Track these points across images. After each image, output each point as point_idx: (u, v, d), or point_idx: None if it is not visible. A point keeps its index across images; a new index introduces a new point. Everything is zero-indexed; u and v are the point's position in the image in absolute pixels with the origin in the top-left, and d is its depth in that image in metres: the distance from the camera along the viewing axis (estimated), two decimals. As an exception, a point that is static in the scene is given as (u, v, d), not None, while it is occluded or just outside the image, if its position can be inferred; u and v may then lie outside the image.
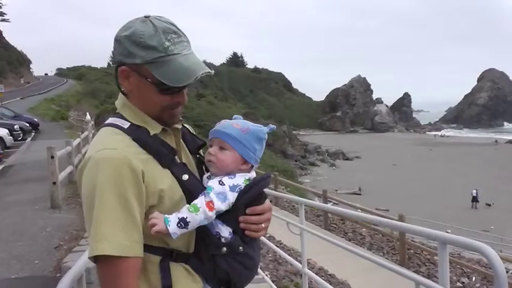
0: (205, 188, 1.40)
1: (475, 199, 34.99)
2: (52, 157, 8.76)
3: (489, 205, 34.87)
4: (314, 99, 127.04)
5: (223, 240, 1.40)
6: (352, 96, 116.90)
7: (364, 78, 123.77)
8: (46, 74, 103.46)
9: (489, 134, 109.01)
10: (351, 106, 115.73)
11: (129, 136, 1.36)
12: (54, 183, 8.58)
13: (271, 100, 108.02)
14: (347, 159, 65.54)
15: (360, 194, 38.47)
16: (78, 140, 13.04)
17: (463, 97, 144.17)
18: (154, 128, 1.41)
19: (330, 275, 8.19)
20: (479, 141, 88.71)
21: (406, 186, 42.11)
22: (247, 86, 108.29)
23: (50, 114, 32.95)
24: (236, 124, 1.51)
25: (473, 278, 10.08)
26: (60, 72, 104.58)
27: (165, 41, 1.32)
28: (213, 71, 1.40)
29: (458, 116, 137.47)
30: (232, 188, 1.41)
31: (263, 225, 1.45)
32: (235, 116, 1.59)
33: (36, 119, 26.47)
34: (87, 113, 23.68)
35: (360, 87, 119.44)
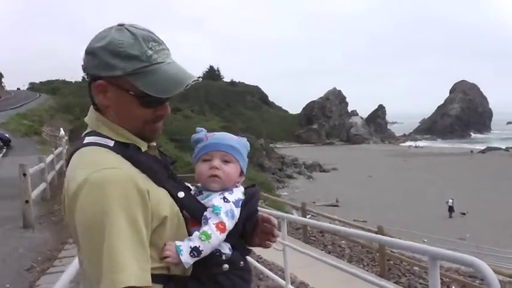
0: (201, 204, 1.35)
1: (451, 208, 35.47)
2: (24, 174, 8.52)
3: (464, 214, 35.39)
4: (290, 112, 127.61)
5: (223, 257, 1.34)
6: (327, 108, 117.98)
7: (340, 90, 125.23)
8: (18, 89, 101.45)
9: (462, 144, 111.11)
10: (326, 118, 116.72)
11: (118, 155, 1.24)
12: (27, 201, 8.33)
13: (248, 113, 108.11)
14: (324, 171, 65.85)
15: (337, 206, 38.57)
16: (51, 157, 12.75)
17: (436, 108, 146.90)
18: (142, 145, 1.32)
19: (311, 289, 8.10)
20: (452, 152, 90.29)
21: (383, 197, 42.46)
22: (223, 100, 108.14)
23: (22, 129, 32.28)
24: (230, 136, 1.47)
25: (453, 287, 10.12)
26: (33, 87, 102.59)
27: (147, 50, 1.23)
28: (200, 78, 1.30)
29: (431, 127, 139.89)
30: (236, 204, 1.36)
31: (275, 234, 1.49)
32: (198, 128, 1.51)
33: (7, 135, 25.88)
34: (61, 129, 23.25)
35: (335, 100, 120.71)
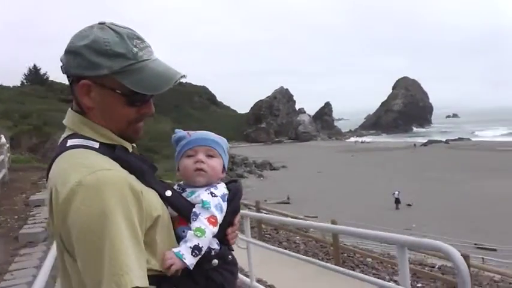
0: (188, 201, 1.35)
1: (397, 200, 36.65)
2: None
3: (410, 205, 36.60)
4: (239, 112, 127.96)
5: (213, 252, 1.34)
6: (275, 107, 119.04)
7: (287, 89, 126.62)
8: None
9: (405, 138, 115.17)
10: (274, 117, 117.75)
11: (105, 156, 1.21)
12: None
13: (196, 114, 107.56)
14: (274, 169, 66.40)
15: (288, 203, 38.95)
16: (-9, 164, 12.14)
17: (380, 104, 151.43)
18: (127, 146, 1.31)
19: (269, 286, 8.12)
20: (396, 146, 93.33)
21: (332, 192, 43.29)
22: (171, 101, 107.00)
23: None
24: (211, 133, 1.51)
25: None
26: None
27: (133, 47, 1.22)
28: (186, 75, 1.29)
29: (376, 123, 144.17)
30: (223, 198, 1.38)
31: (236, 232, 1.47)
32: (176, 130, 1.53)
33: None
34: (2, 136, 22.19)
35: (282, 98, 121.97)
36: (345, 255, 11.23)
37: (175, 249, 1.24)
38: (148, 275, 1.13)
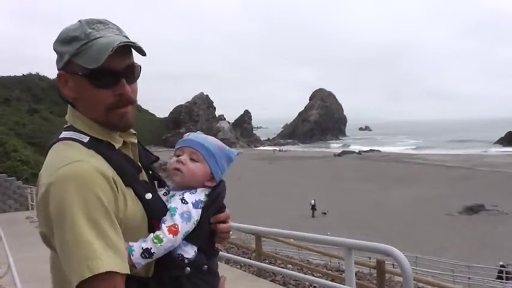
0: (165, 206, 1.32)
1: (313, 208, 37.77)
2: None
3: (325, 213, 37.91)
4: (158, 116, 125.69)
5: (186, 260, 1.31)
6: (195, 113, 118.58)
7: (207, 95, 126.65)
8: None
9: (321, 148, 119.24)
10: (194, 123, 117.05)
11: (91, 150, 1.23)
12: None
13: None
14: (192, 175, 65.95)
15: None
16: None
17: (297, 114, 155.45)
18: (116, 141, 1.31)
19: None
20: (313, 155, 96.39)
21: (250, 199, 43.73)
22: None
23: None
24: (212, 139, 1.47)
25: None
26: None
27: (87, 29, 1.24)
28: (137, 43, 1.26)
29: (293, 132, 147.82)
30: (196, 205, 1.33)
31: (230, 233, 1.43)
32: (198, 131, 1.52)
33: None
34: None
35: (202, 104, 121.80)
36: (266, 261, 11.39)
37: (131, 243, 1.23)
38: None
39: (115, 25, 1.30)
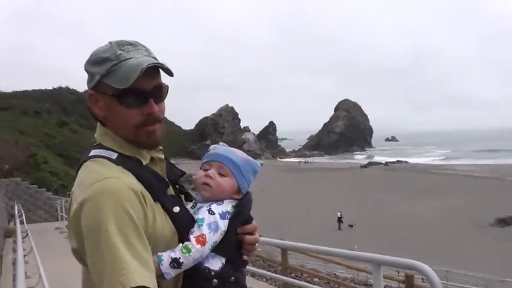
0: (193, 218, 1.34)
1: (339, 220, 37.36)
2: None
3: (351, 226, 37.46)
4: (183, 128, 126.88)
5: (212, 272, 1.32)
6: (220, 124, 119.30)
7: (232, 107, 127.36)
8: None
9: (346, 159, 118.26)
10: (219, 134, 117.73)
11: (121, 166, 1.28)
12: None
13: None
14: (218, 186, 66.16)
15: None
16: None
17: (322, 125, 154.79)
18: (144, 157, 1.35)
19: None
20: (338, 167, 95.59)
21: (276, 211, 43.53)
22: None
23: None
24: (238, 152, 1.49)
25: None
26: None
27: (117, 50, 1.29)
28: (165, 64, 1.29)
29: (318, 143, 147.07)
30: (223, 216, 1.35)
31: (256, 245, 1.43)
32: (221, 143, 1.53)
33: None
34: None
35: (227, 116, 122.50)
36: (292, 275, 11.30)
37: (160, 253, 1.26)
38: None
39: (144, 46, 1.35)
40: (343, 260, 12.77)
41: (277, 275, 7.99)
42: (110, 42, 1.33)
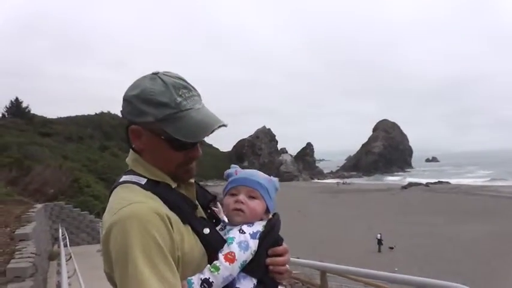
0: (223, 239, 1.37)
1: (379, 242, 36.52)
2: None
3: (392, 248, 36.52)
4: (221, 150, 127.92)
5: None
6: (257, 146, 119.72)
7: (269, 129, 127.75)
8: None
9: (386, 180, 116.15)
10: (257, 156, 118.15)
11: (149, 191, 1.32)
12: None
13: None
14: (256, 208, 65.96)
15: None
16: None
17: (360, 146, 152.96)
18: (171, 183, 1.39)
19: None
20: (377, 188, 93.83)
21: (314, 233, 43.02)
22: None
23: None
24: (261, 174, 1.53)
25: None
26: None
27: (177, 97, 1.31)
28: (227, 123, 1.37)
29: (357, 164, 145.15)
30: (253, 236, 1.37)
31: (287, 266, 1.43)
32: (233, 165, 1.59)
33: None
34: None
35: (265, 138, 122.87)
36: (333, 298, 11.11)
37: (190, 277, 1.27)
38: None
39: (196, 90, 1.39)
40: (384, 283, 12.50)
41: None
42: (164, 83, 1.32)
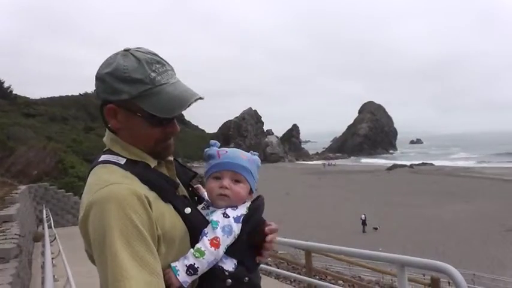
0: (206, 220, 1.36)
1: (364, 223, 36.97)
2: None
3: (376, 228, 37.01)
4: (207, 131, 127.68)
5: (226, 273, 1.34)
6: (244, 128, 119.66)
7: (255, 110, 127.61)
8: None
9: (371, 161, 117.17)
10: (243, 138, 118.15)
11: (128, 171, 1.30)
12: None
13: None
14: (241, 190, 66.17)
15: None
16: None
17: (346, 128, 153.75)
18: (151, 162, 1.37)
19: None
20: (362, 169, 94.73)
21: (300, 214, 43.41)
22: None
23: None
24: (243, 154, 1.49)
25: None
26: None
27: (151, 72, 1.29)
28: (204, 96, 1.33)
29: (342, 146, 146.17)
30: (237, 219, 1.37)
31: (272, 246, 1.45)
32: (211, 141, 1.52)
33: None
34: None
35: (251, 119, 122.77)
36: (317, 277, 11.27)
37: (173, 264, 1.27)
38: None
39: (169, 64, 1.35)
40: (367, 263, 12.70)
41: (302, 277, 7.97)
42: (137, 59, 1.29)
